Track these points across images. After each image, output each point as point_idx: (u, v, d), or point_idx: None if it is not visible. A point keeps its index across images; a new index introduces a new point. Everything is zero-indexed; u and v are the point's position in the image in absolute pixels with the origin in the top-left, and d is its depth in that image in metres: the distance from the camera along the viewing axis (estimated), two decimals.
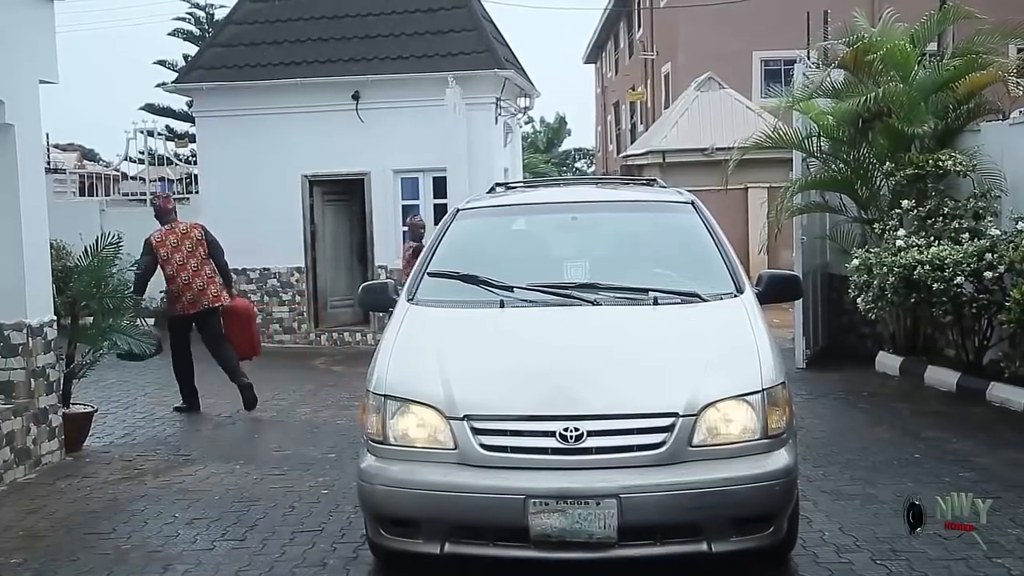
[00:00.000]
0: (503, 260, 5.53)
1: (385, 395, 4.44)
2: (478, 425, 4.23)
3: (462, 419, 4.24)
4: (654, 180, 7.46)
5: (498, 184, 7.39)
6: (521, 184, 8.31)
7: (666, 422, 4.17)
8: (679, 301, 4.94)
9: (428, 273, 5.31)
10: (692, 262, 5.47)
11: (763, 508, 4.26)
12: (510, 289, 5.02)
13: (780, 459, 4.28)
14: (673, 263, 5.53)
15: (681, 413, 4.18)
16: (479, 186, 13.17)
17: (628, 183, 8.72)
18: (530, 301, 4.98)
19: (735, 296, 5.00)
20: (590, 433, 4.15)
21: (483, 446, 4.21)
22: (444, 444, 4.27)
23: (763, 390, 4.32)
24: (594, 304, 4.91)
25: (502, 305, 4.93)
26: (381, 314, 6.13)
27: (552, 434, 4.16)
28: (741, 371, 4.40)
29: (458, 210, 5.98)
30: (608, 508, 4.05)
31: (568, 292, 4.99)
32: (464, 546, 4.29)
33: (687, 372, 4.39)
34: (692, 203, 5.84)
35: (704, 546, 4.18)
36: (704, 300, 4.93)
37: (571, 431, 4.14)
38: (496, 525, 4.21)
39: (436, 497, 4.23)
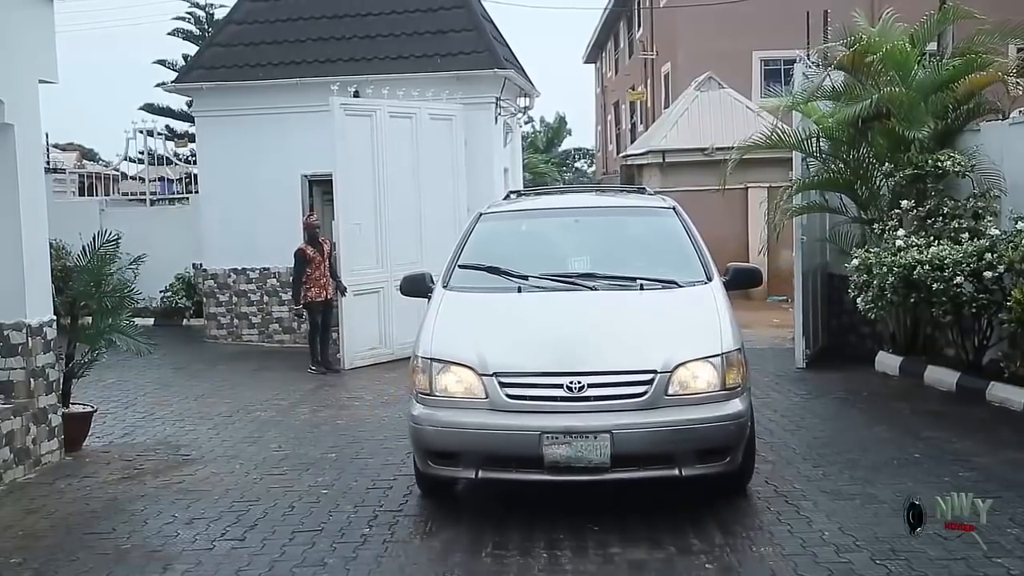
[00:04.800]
0: (519, 255, 6.65)
1: (431, 358, 5.66)
2: (504, 380, 5.45)
3: (492, 375, 5.46)
4: (643, 188, 9.21)
5: (512, 191, 8.74)
6: (532, 191, 9.69)
7: (647, 377, 5.38)
8: (660, 287, 6.16)
9: (459, 266, 6.54)
10: (672, 256, 6.59)
11: (721, 442, 5.46)
12: (525, 278, 6.24)
13: (735, 406, 5.49)
14: (657, 257, 6.67)
15: (659, 370, 5.39)
16: (478, 185, 13.24)
17: (622, 191, 10.43)
18: (541, 287, 6.21)
19: (705, 283, 6.21)
20: (590, 385, 5.36)
21: (508, 396, 5.43)
22: (477, 395, 5.49)
23: (722, 354, 5.52)
24: (592, 289, 6.13)
25: (519, 291, 6.18)
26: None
27: (560, 386, 5.37)
28: (706, 340, 5.60)
29: (480, 214, 7.18)
30: (603, 441, 5.26)
31: (572, 280, 6.23)
32: (493, 472, 5.54)
33: (664, 340, 5.61)
34: (674, 208, 7.10)
35: (676, 471, 5.39)
36: (680, 286, 6.16)
37: (575, 384, 5.35)
38: (518, 455, 5.42)
39: (472, 434, 5.46)
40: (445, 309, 6.08)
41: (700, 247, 6.53)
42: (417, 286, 6.62)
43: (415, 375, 5.73)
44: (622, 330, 5.78)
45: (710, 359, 5.50)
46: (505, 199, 8.08)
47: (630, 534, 5.40)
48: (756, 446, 6.14)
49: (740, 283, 6.55)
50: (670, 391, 5.38)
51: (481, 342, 5.68)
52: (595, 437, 5.25)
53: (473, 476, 5.56)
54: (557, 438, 5.26)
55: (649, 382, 5.36)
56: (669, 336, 5.66)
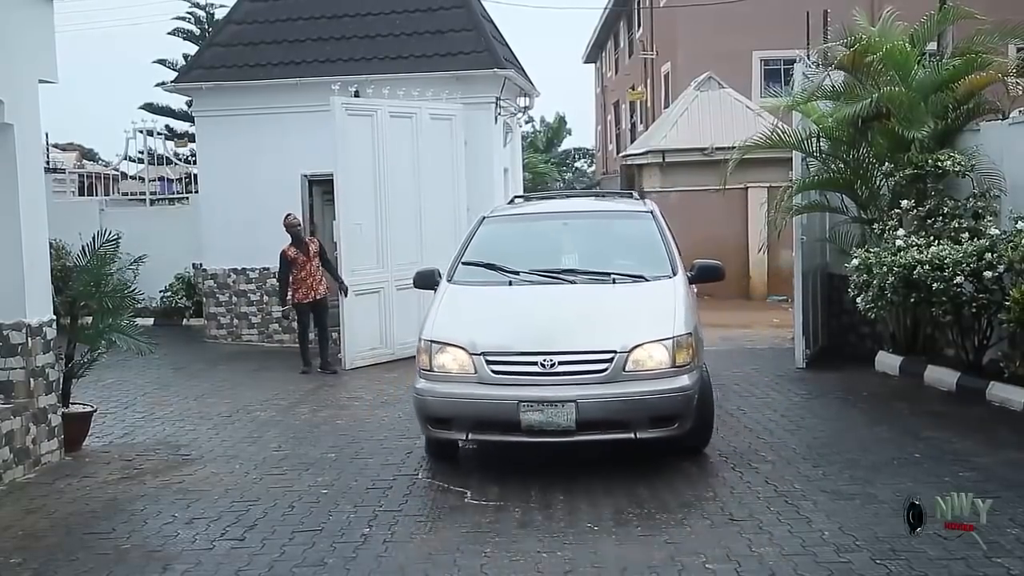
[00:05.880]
0: (514, 253, 7.69)
1: (432, 341, 6.71)
2: (490, 358, 6.47)
3: (480, 355, 6.49)
4: (632, 192, 10.79)
5: (517, 196, 10.24)
6: (533, 196, 11.22)
7: (608, 356, 6.37)
8: (630, 281, 7.22)
9: (462, 262, 7.63)
10: (644, 254, 7.57)
11: (670, 411, 6.43)
12: (516, 273, 7.31)
13: (682, 381, 6.45)
14: (631, 255, 7.69)
15: (618, 351, 6.37)
16: (478, 185, 13.25)
17: (610, 195, 11.79)
18: (529, 281, 7.26)
19: (670, 278, 7.20)
20: (560, 363, 6.37)
21: (493, 371, 6.46)
22: (468, 371, 6.53)
23: (673, 337, 6.49)
24: (572, 283, 7.21)
25: (510, 284, 7.21)
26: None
27: (536, 363, 6.40)
28: (661, 325, 6.57)
29: (484, 217, 8.33)
30: (570, 408, 6.26)
31: (556, 275, 7.32)
32: (480, 434, 6.65)
33: (626, 325, 6.60)
34: (651, 212, 8.13)
35: (632, 434, 6.40)
36: (647, 280, 7.21)
37: (548, 361, 6.37)
38: (500, 420, 6.42)
39: (463, 403, 6.53)
40: (447, 300, 7.20)
41: (670, 246, 7.56)
42: (427, 280, 7.72)
43: (420, 355, 6.78)
44: (592, 317, 6.81)
45: (662, 341, 6.47)
46: (509, 203, 9.48)
47: (629, 534, 5.41)
48: (714, 415, 7.21)
49: (704, 278, 7.61)
50: (627, 368, 6.38)
51: (473, 327, 6.74)
52: (563, 405, 6.26)
53: (464, 438, 6.70)
54: (532, 406, 6.28)
55: (609, 360, 6.36)
56: (630, 322, 6.65)
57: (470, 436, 6.65)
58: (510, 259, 7.50)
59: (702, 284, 7.70)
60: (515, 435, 6.42)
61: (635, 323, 6.62)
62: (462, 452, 7.34)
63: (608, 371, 6.33)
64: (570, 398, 6.26)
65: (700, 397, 6.65)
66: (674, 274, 7.23)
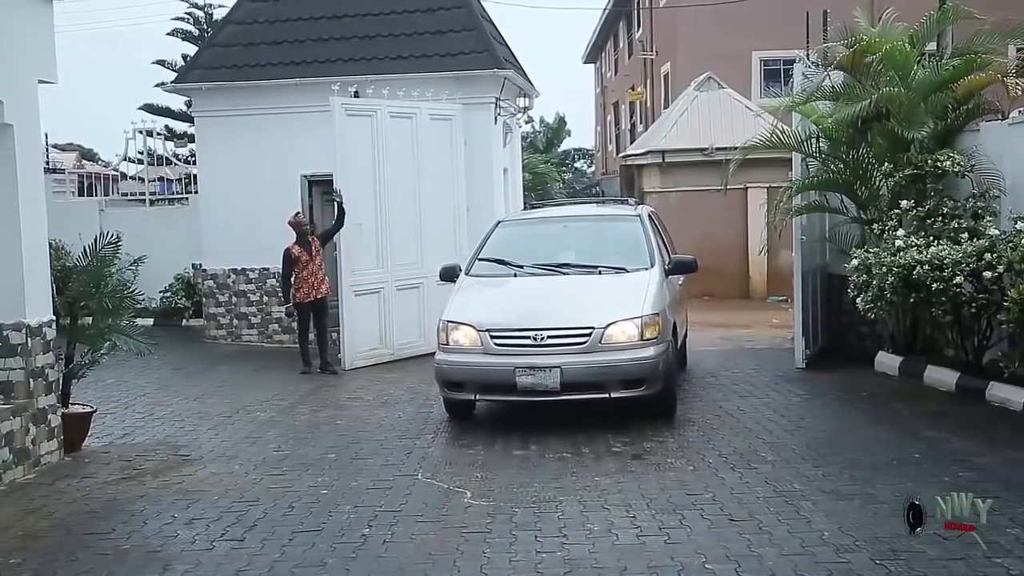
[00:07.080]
0: (521, 250, 9.24)
1: (449, 321, 8.26)
2: (493, 333, 7.98)
3: (485, 331, 8.00)
4: (626, 199, 12.78)
5: (530, 204, 13.05)
6: (542, 203, 13.67)
7: (587, 331, 7.81)
8: (613, 272, 8.68)
9: (478, 259, 9.25)
10: (629, 251, 8.96)
11: (638, 375, 7.79)
12: (521, 267, 8.91)
13: (649, 352, 7.84)
14: (617, 252, 9.04)
15: (596, 327, 7.81)
16: (478, 185, 13.29)
17: (606, 201, 14.10)
18: (531, 273, 8.82)
19: (646, 270, 8.61)
20: (548, 337, 7.83)
21: (495, 344, 7.96)
22: (476, 344, 8.04)
23: (641, 316, 7.92)
24: (565, 274, 8.76)
25: (515, 275, 8.84)
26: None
27: (529, 337, 7.87)
28: (632, 307, 8.00)
29: (499, 222, 10.12)
30: (555, 373, 7.71)
31: (553, 268, 8.86)
32: (485, 395, 8.25)
33: (604, 307, 8.03)
34: (639, 216, 9.65)
35: (606, 395, 7.83)
36: (628, 271, 8.64)
37: (538, 336, 7.84)
38: (500, 383, 7.94)
39: (472, 369, 8.05)
40: (463, 288, 8.81)
41: (651, 244, 8.99)
42: (451, 274, 9.17)
43: (439, 333, 8.36)
44: (578, 300, 8.25)
45: (633, 319, 7.88)
46: (524, 209, 11.89)
47: (628, 534, 5.41)
48: (677, 384, 8.65)
49: (679, 270, 9.27)
50: (603, 341, 7.79)
51: (481, 310, 8.31)
52: (550, 370, 7.70)
53: (473, 398, 8.21)
54: (525, 371, 7.74)
55: (588, 334, 7.78)
56: (608, 304, 8.05)
57: (478, 397, 8.20)
58: (518, 256, 9.04)
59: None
60: (512, 395, 7.96)
61: (612, 305, 8.03)
62: (463, 454, 7.38)
63: (587, 343, 7.77)
64: (556, 364, 7.70)
65: (667, 367, 7.98)
66: (651, 266, 8.66)
